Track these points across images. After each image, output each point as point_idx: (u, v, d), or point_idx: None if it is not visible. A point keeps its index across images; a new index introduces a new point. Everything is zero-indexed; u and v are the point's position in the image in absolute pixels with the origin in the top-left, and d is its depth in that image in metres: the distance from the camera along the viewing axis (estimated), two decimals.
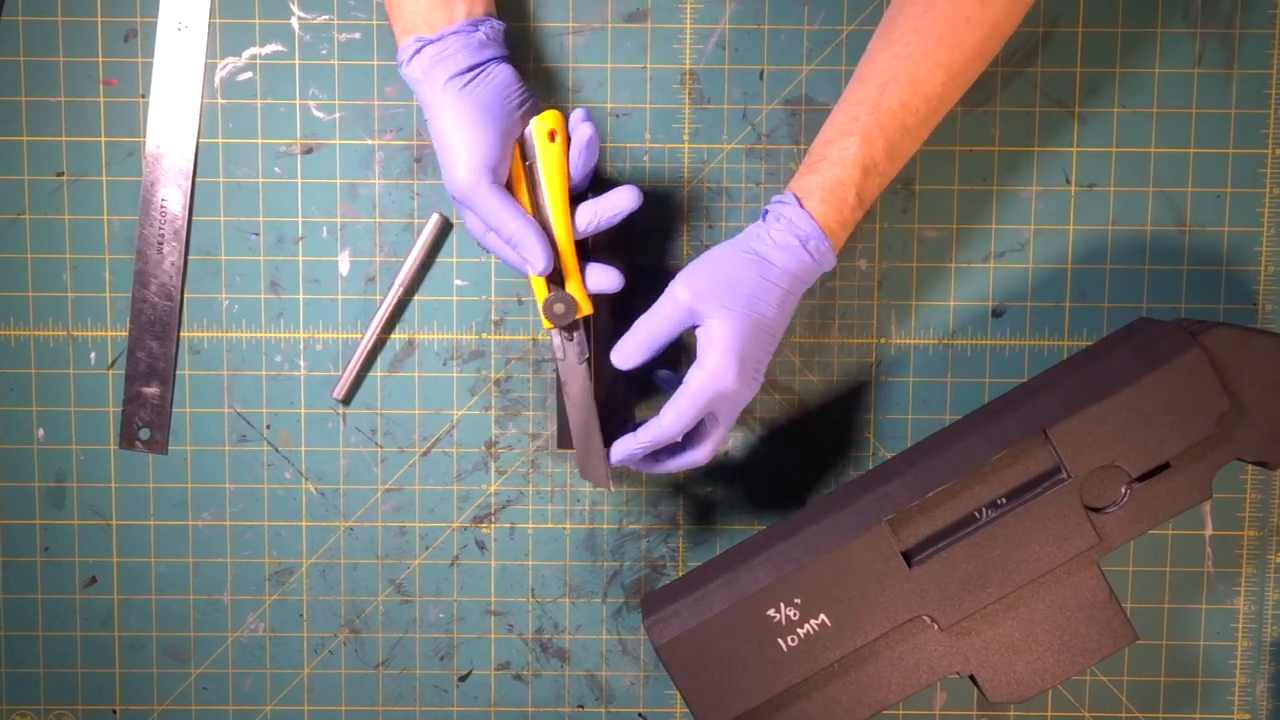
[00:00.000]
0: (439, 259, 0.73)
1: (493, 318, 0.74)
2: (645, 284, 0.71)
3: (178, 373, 0.74)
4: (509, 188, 0.64)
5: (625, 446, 0.65)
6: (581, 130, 0.64)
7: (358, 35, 0.72)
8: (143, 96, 0.73)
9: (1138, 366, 0.63)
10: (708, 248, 0.68)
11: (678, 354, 0.74)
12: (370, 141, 0.73)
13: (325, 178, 0.73)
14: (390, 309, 0.73)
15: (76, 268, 0.73)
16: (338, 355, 0.74)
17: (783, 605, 0.64)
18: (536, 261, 0.63)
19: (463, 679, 0.76)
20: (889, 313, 0.74)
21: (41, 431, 0.74)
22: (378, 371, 0.74)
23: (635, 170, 0.73)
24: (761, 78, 0.72)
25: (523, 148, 0.65)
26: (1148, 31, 0.72)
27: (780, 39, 0.72)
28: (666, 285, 0.73)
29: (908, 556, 0.64)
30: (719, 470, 0.75)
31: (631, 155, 0.73)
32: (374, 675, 0.76)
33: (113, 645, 0.75)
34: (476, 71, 0.63)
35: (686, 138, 0.73)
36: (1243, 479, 0.75)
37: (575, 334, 0.65)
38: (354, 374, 0.74)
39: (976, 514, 0.64)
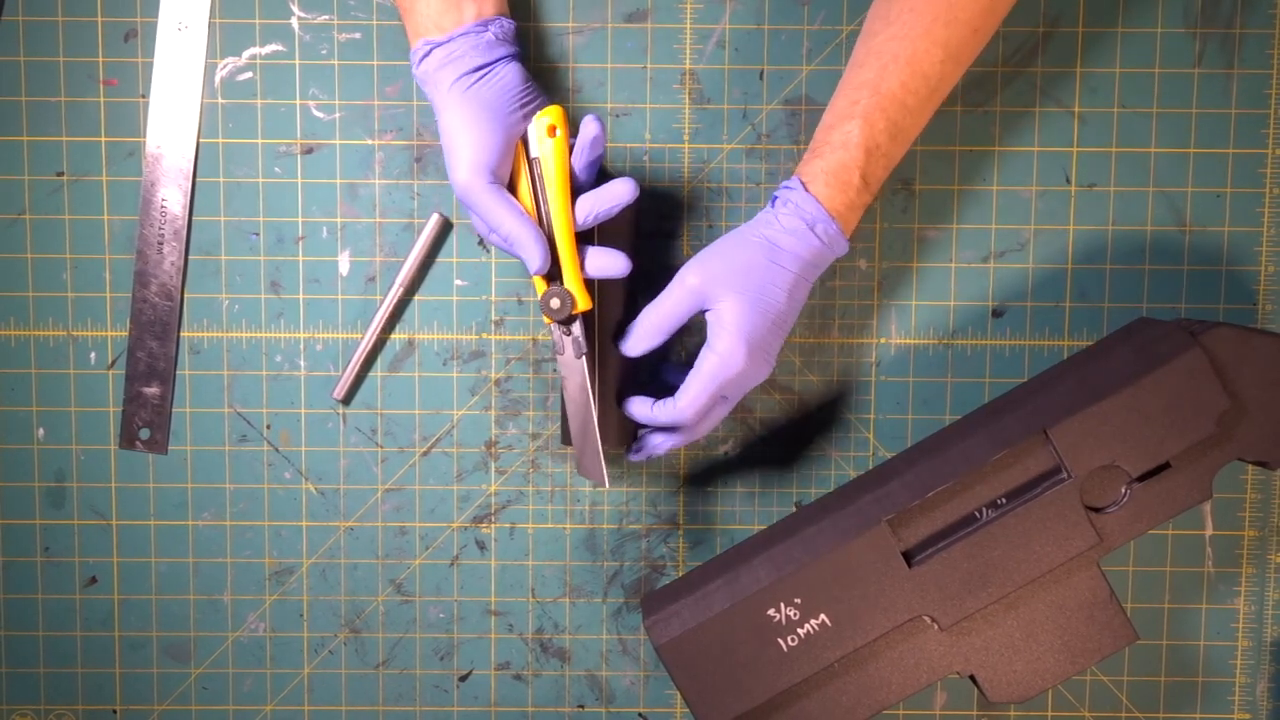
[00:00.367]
0: (439, 259, 0.73)
1: (493, 318, 0.74)
2: (646, 283, 0.71)
3: (178, 373, 0.74)
4: (511, 185, 0.65)
5: (642, 410, 0.67)
6: (588, 127, 0.64)
7: (358, 35, 0.72)
8: (143, 96, 0.73)
9: (1138, 366, 0.63)
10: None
11: (676, 346, 0.74)
12: (370, 141, 0.73)
13: (325, 178, 0.73)
14: (390, 309, 0.73)
15: (77, 268, 0.73)
16: (338, 355, 0.74)
17: (783, 605, 0.64)
18: (531, 261, 0.63)
19: (463, 679, 0.76)
20: (889, 313, 0.74)
21: (42, 431, 0.74)
22: (378, 371, 0.74)
23: (635, 170, 0.73)
24: (761, 78, 0.72)
25: (527, 144, 0.65)
26: (1148, 31, 0.72)
27: (780, 39, 0.72)
28: (668, 284, 0.73)
29: (908, 556, 0.64)
30: (719, 470, 0.75)
31: (631, 155, 0.73)
32: (374, 675, 0.76)
33: (113, 645, 0.75)
34: (483, 72, 0.64)
35: (686, 138, 0.73)
36: (1243, 479, 0.75)
37: (573, 329, 0.66)
38: (354, 374, 0.74)
39: (977, 514, 0.64)
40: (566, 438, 0.69)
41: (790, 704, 0.65)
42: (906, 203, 0.73)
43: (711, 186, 0.73)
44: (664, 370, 0.72)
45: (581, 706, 0.76)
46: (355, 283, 0.74)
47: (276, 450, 0.74)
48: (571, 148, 0.65)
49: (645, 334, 0.66)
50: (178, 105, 0.72)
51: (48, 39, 0.72)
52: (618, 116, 0.73)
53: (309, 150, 0.73)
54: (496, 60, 0.64)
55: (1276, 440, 0.64)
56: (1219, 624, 0.75)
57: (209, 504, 0.75)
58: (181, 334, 0.74)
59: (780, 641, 0.64)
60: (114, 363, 0.74)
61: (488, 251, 0.73)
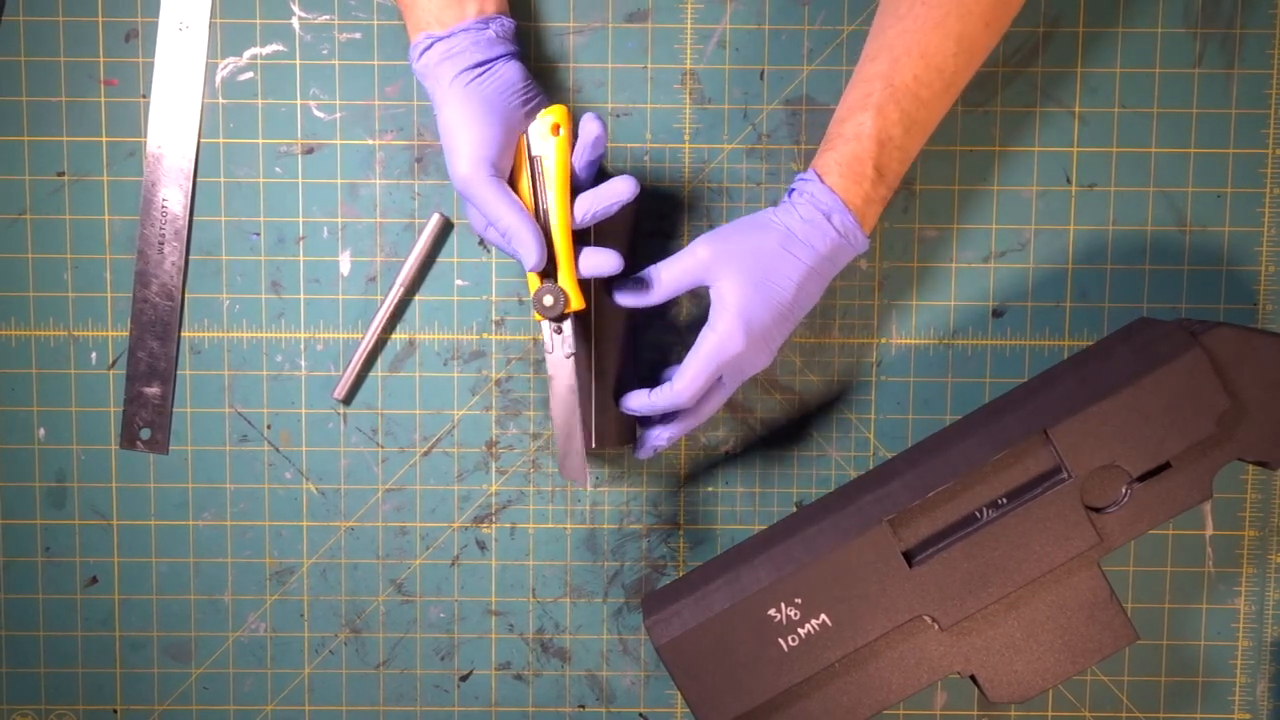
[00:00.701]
0: (440, 259, 0.73)
1: (493, 318, 0.74)
2: None
3: (178, 373, 0.74)
4: (511, 182, 0.65)
5: (639, 399, 0.67)
6: (589, 127, 0.64)
7: (358, 35, 0.72)
8: (144, 96, 0.73)
9: (1138, 366, 0.63)
10: None
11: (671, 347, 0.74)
12: (371, 141, 0.73)
13: (326, 178, 0.73)
14: (391, 309, 0.73)
15: (77, 268, 0.73)
16: (338, 355, 0.74)
17: (783, 605, 0.64)
18: (528, 256, 0.63)
19: (463, 679, 0.76)
20: (889, 313, 0.74)
21: (42, 431, 0.74)
22: (378, 371, 0.74)
23: (635, 170, 0.73)
24: (762, 78, 0.73)
25: (528, 142, 0.65)
26: (1148, 31, 0.72)
27: (781, 39, 0.72)
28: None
29: (908, 556, 0.64)
30: (719, 470, 0.75)
31: (631, 155, 0.73)
32: (375, 675, 0.76)
33: (113, 645, 0.75)
34: (484, 68, 0.64)
35: (687, 138, 0.73)
36: (1243, 479, 0.75)
37: (564, 328, 0.66)
38: (355, 374, 0.74)
39: (977, 514, 0.64)
40: None
41: (790, 704, 0.65)
42: (907, 203, 0.73)
43: (711, 186, 0.73)
44: (664, 373, 0.72)
45: (582, 706, 0.76)
46: (356, 283, 0.74)
47: (277, 450, 0.74)
48: (572, 147, 0.65)
49: (641, 288, 0.66)
50: (178, 105, 0.72)
51: (48, 39, 0.72)
52: (618, 116, 0.73)
53: (310, 150, 0.73)
54: (497, 58, 0.64)
55: (1277, 440, 0.64)
56: (1219, 624, 0.75)
57: (209, 504, 0.75)
58: (182, 334, 0.74)
59: (781, 641, 0.64)
60: (115, 363, 0.74)
61: (488, 251, 0.73)
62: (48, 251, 0.73)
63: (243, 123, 0.73)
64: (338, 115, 0.73)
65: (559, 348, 0.66)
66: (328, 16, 0.72)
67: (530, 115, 0.65)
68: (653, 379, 0.72)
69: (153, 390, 0.74)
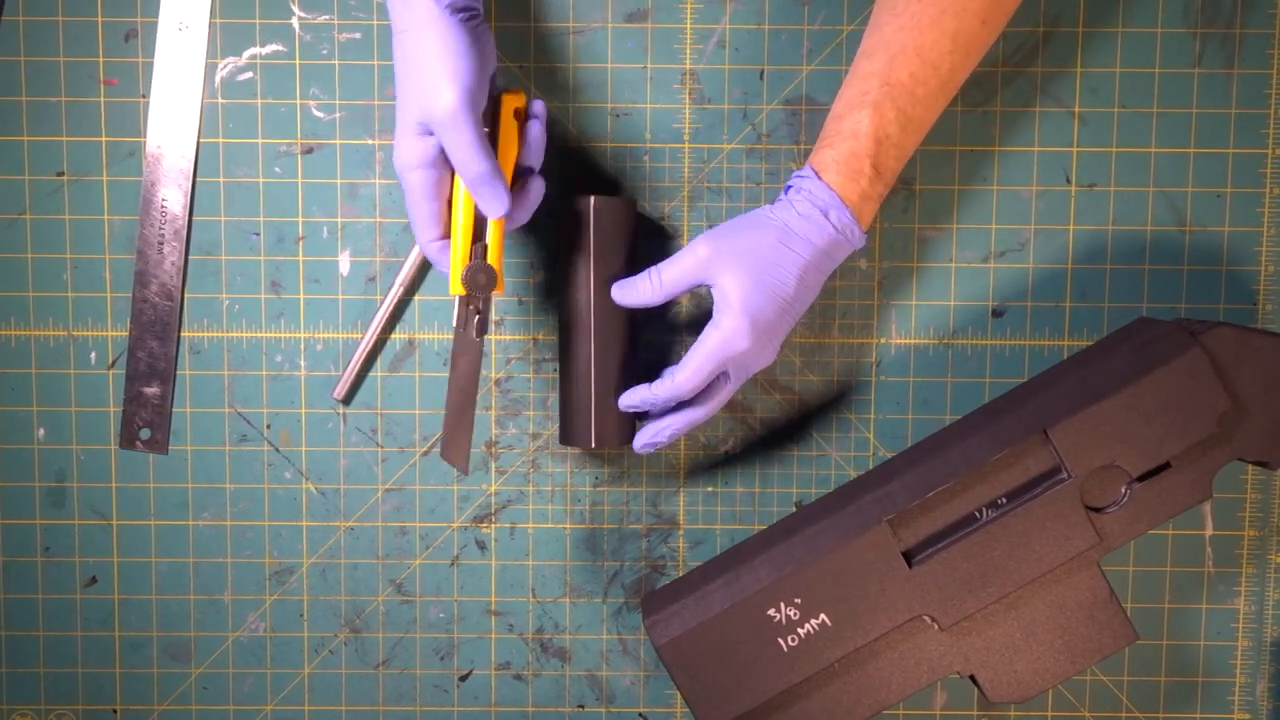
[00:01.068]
0: None
1: (493, 318, 0.74)
2: None
3: (178, 373, 0.74)
4: None
5: (639, 394, 0.66)
6: (535, 120, 0.64)
7: (358, 35, 0.72)
8: (143, 96, 0.73)
9: (1138, 366, 0.63)
10: None
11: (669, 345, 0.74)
12: (371, 141, 0.73)
13: (326, 177, 0.73)
14: (391, 309, 0.73)
15: (77, 268, 0.73)
16: (338, 355, 0.74)
17: (783, 605, 0.64)
18: (498, 204, 0.62)
19: (463, 679, 0.76)
20: (889, 313, 0.74)
21: (42, 431, 0.74)
22: (378, 371, 0.74)
23: (635, 170, 0.73)
24: (762, 78, 0.72)
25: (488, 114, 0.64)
26: (1148, 31, 0.72)
27: (780, 39, 0.72)
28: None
29: (908, 556, 0.64)
30: (719, 470, 0.75)
31: (632, 155, 0.73)
32: (374, 675, 0.76)
33: (113, 645, 0.75)
34: (472, 13, 0.62)
35: (686, 138, 0.73)
36: (1243, 479, 0.75)
37: (482, 307, 0.65)
38: (354, 374, 0.74)
39: (977, 514, 0.64)
40: (565, 437, 0.69)
41: (790, 704, 0.65)
42: (906, 203, 0.73)
43: (711, 186, 0.73)
44: (664, 371, 0.72)
45: (582, 706, 0.76)
46: (355, 282, 0.74)
47: (277, 450, 0.74)
48: (524, 134, 0.64)
49: (642, 288, 0.66)
50: (178, 105, 0.72)
51: (48, 39, 0.72)
52: (618, 116, 0.73)
53: (309, 150, 0.73)
54: (479, 13, 0.63)
55: (1277, 440, 0.64)
56: (1219, 624, 0.75)
57: (209, 504, 0.75)
58: (182, 334, 0.74)
59: (780, 641, 0.64)
60: (114, 363, 0.74)
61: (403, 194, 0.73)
62: (48, 251, 0.73)
63: (242, 123, 0.73)
64: (337, 115, 0.73)
65: (472, 327, 0.65)
66: (328, 16, 0.72)
67: (489, 89, 0.64)
68: (652, 379, 0.72)
69: (152, 390, 0.74)
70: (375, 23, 0.72)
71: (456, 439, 0.66)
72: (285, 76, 0.72)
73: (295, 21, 0.72)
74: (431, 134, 0.62)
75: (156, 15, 0.72)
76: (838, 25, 0.72)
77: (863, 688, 0.65)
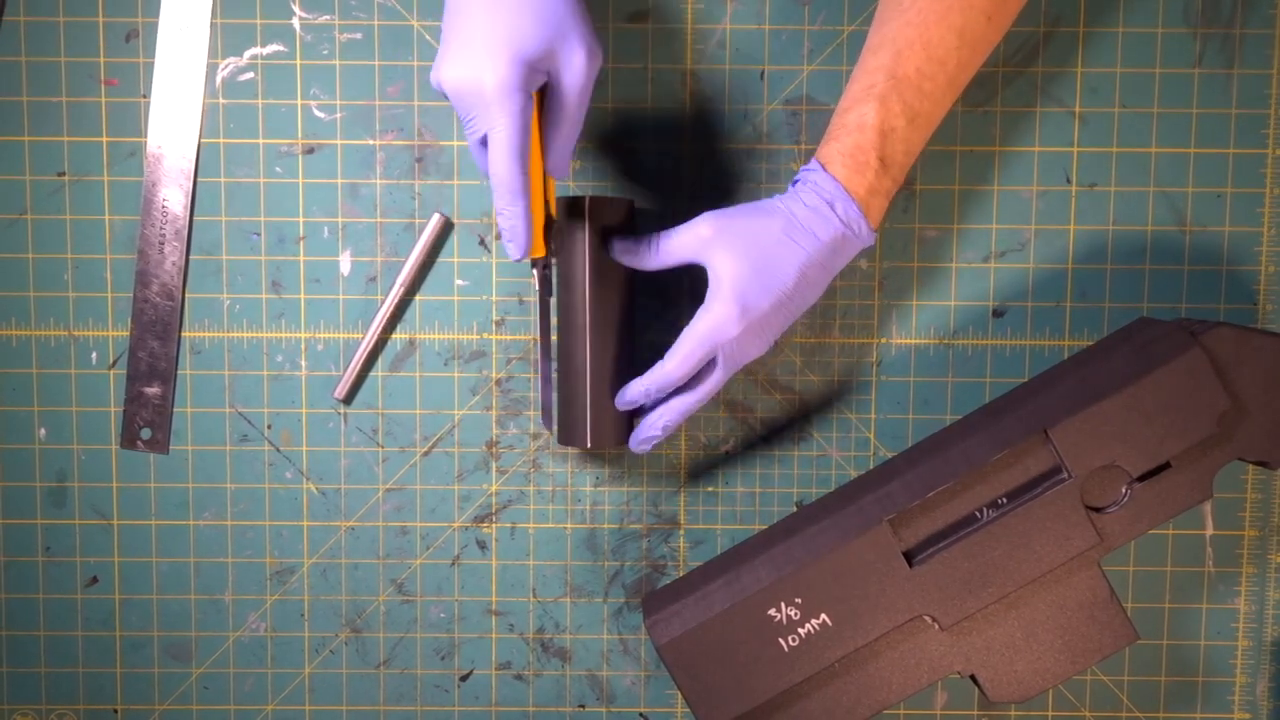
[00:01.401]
0: (440, 259, 0.73)
1: (494, 317, 0.74)
2: (645, 282, 0.71)
3: (179, 372, 0.74)
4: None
5: (633, 389, 0.66)
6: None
7: (359, 35, 0.72)
8: (144, 96, 0.73)
9: (1138, 366, 0.63)
10: None
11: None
12: (371, 141, 0.73)
13: (326, 178, 0.73)
14: (391, 309, 0.73)
15: (78, 268, 0.73)
16: (339, 355, 0.74)
17: (783, 605, 0.64)
18: (517, 246, 0.61)
19: (464, 679, 0.76)
20: (890, 313, 0.74)
21: (43, 431, 0.74)
22: (379, 371, 0.74)
23: (635, 169, 0.73)
24: (762, 78, 0.73)
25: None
26: (1148, 31, 0.72)
27: (781, 39, 0.72)
28: (668, 285, 0.73)
29: (908, 556, 0.64)
30: (719, 470, 0.75)
31: (631, 155, 0.73)
32: (375, 675, 0.76)
33: (114, 645, 0.75)
34: None
35: (687, 137, 0.73)
36: (1243, 479, 0.75)
37: (548, 268, 0.66)
38: (355, 374, 0.74)
39: (977, 514, 0.64)
40: (564, 437, 0.69)
41: (791, 704, 0.65)
42: (907, 203, 0.73)
43: (711, 186, 0.73)
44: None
45: (582, 706, 0.76)
46: (356, 283, 0.74)
47: (277, 450, 0.74)
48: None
49: (641, 251, 0.66)
50: (179, 105, 0.72)
51: (49, 39, 0.72)
52: (618, 116, 0.73)
53: (310, 150, 0.73)
54: None
55: (1277, 440, 0.64)
56: (1219, 624, 0.75)
57: (210, 504, 0.75)
58: (183, 334, 0.74)
59: (781, 641, 0.64)
60: (115, 363, 0.74)
61: (489, 251, 0.73)
62: (48, 251, 0.73)
63: (243, 123, 0.73)
64: (338, 115, 0.73)
65: (544, 289, 0.67)
66: (328, 16, 0.72)
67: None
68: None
69: (153, 390, 0.74)
70: (375, 23, 0.72)
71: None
72: (286, 76, 0.72)
73: (296, 21, 0.72)
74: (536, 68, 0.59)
75: (157, 15, 0.72)
76: (838, 25, 0.72)
77: (863, 688, 0.65)
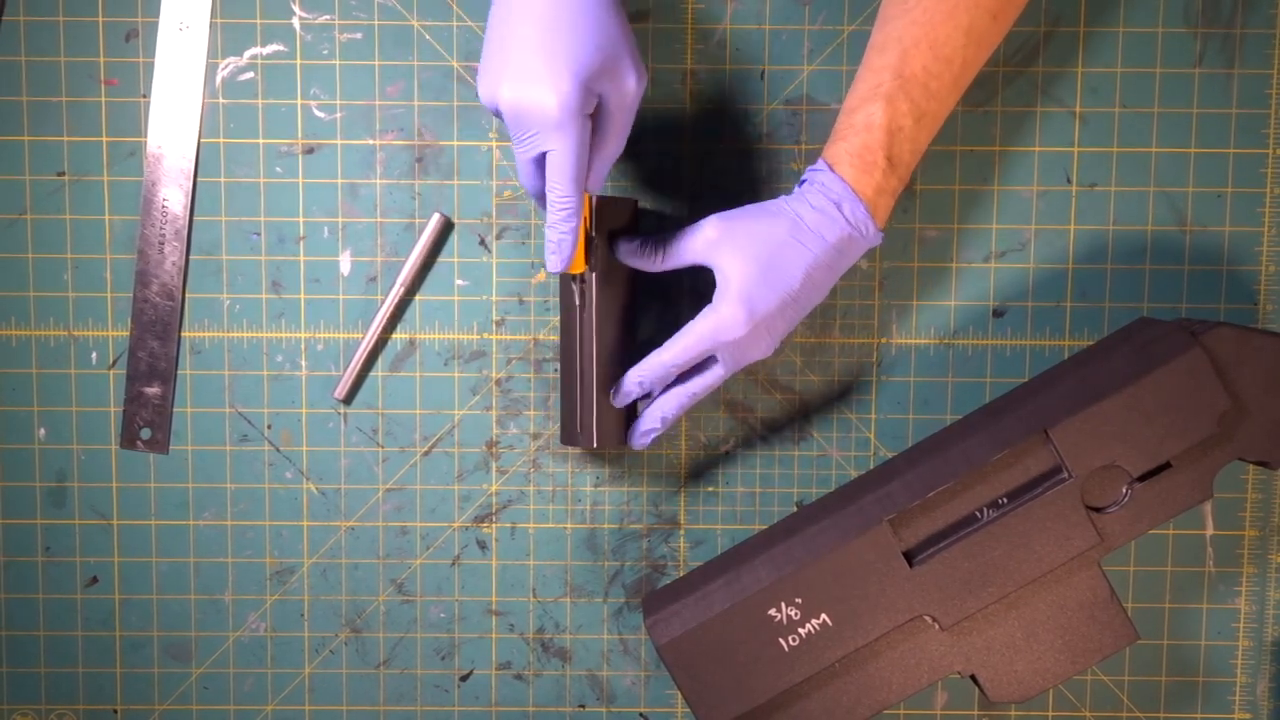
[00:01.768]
0: (440, 259, 0.73)
1: (494, 317, 0.74)
2: (648, 282, 0.71)
3: (179, 372, 0.74)
4: None
5: (629, 381, 0.66)
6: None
7: (359, 35, 0.72)
8: (144, 96, 0.73)
9: (1138, 366, 0.63)
10: None
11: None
12: (371, 141, 0.73)
13: (326, 177, 0.73)
14: (391, 309, 0.73)
15: (77, 268, 0.73)
16: (339, 355, 0.74)
17: (784, 605, 0.64)
18: (557, 261, 0.62)
19: (464, 679, 0.76)
20: (890, 312, 0.74)
21: (42, 431, 0.74)
22: (379, 371, 0.74)
23: (636, 169, 0.73)
24: (762, 78, 0.73)
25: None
26: (1148, 31, 0.72)
27: (781, 39, 0.72)
28: (670, 286, 0.73)
29: (909, 556, 0.64)
30: (719, 470, 0.75)
31: (632, 154, 0.73)
32: (375, 675, 0.76)
33: (114, 645, 0.75)
34: None
35: (687, 137, 0.73)
36: (1244, 479, 0.75)
37: (586, 282, 0.67)
38: (355, 374, 0.74)
39: (977, 514, 0.64)
40: (566, 437, 0.69)
41: (791, 704, 0.65)
42: (907, 203, 0.73)
43: (712, 187, 0.73)
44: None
45: (582, 706, 0.76)
46: (356, 282, 0.74)
47: (277, 450, 0.74)
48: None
49: (645, 253, 0.66)
50: (179, 105, 0.72)
51: (49, 39, 0.72)
52: None
53: (310, 150, 0.73)
54: None
55: (1277, 440, 0.64)
56: (1220, 624, 0.75)
57: (210, 504, 0.75)
58: (182, 334, 0.74)
59: (781, 641, 0.64)
60: (115, 363, 0.74)
61: (489, 251, 0.73)
62: (48, 251, 0.73)
63: (243, 123, 0.73)
64: (338, 115, 0.73)
65: (581, 300, 0.67)
66: (328, 16, 0.72)
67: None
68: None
69: (153, 390, 0.74)
70: (376, 23, 0.72)
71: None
72: (286, 76, 0.72)
73: (296, 21, 0.72)
74: (594, 90, 0.59)
75: (157, 15, 0.72)
76: (838, 25, 0.72)
77: (863, 688, 0.65)
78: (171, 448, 0.75)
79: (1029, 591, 0.64)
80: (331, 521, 0.75)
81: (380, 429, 0.74)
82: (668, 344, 0.65)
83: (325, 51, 0.72)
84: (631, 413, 0.70)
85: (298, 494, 0.75)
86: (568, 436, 0.69)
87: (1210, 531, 0.75)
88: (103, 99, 0.73)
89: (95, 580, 0.75)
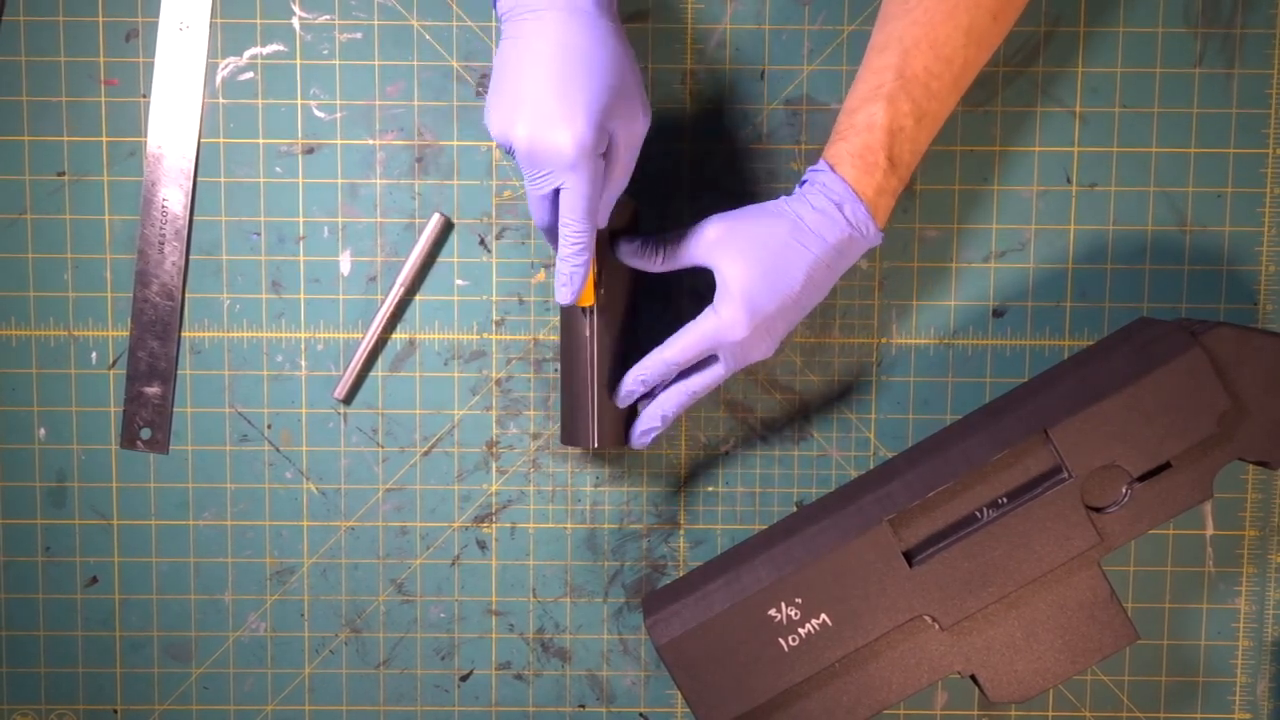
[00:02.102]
0: (440, 259, 0.73)
1: (494, 317, 0.74)
2: (649, 282, 0.71)
3: (179, 372, 0.74)
4: None
5: (629, 380, 0.66)
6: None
7: (359, 35, 0.72)
8: (144, 96, 0.73)
9: (1138, 366, 0.63)
10: None
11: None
12: (371, 141, 0.73)
13: (326, 177, 0.73)
14: (391, 309, 0.73)
15: (78, 268, 0.73)
16: (339, 355, 0.74)
17: (784, 605, 0.64)
18: (568, 293, 0.63)
19: (464, 679, 0.76)
20: (890, 312, 0.74)
21: (43, 431, 0.74)
22: (379, 371, 0.74)
23: (636, 170, 0.73)
24: (762, 78, 0.73)
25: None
26: (1148, 31, 0.72)
27: (781, 39, 0.72)
28: (670, 285, 0.73)
29: (909, 556, 0.64)
30: (719, 470, 0.75)
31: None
32: (375, 675, 0.76)
33: (114, 645, 0.75)
34: (622, 28, 0.60)
35: (687, 138, 0.73)
36: (1243, 479, 0.75)
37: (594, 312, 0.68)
38: (355, 374, 0.74)
39: (977, 514, 0.64)
40: (567, 437, 0.69)
41: (791, 704, 0.65)
42: (907, 203, 0.73)
43: (712, 187, 0.73)
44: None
45: (582, 706, 0.76)
46: (356, 282, 0.74)
47: (277, 450, 0.74)
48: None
49: (645, 254, 0.66)
50: (179, 105, 0.72)
51: (49, 39, 0.72)
52: None
53: (310, 150, 0.73)
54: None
55: (1277, 440, 0.64)
56: (1219, 624, 0.75)
57: (210, 504, 0.75)
58: (182, 334, 0.74)
59: (781, 641, 0.64)
60: (115, 362, 0.74)
61: (489, 251, 0.73)
62: (48, 251, 0.73)
63: (243, 123, 0.73)
64: (338, 115, 0.73)
65: (590, 328, 0.68)
66: (328, 16, 0.72)
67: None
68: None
69: (153, 390, 0.74)
70: (375, 23, 0.72)
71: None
72: (286, 76, 0.72)
73: (296, 21, 0.72)
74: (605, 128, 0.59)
75: (157, 15, 0.72)
76: (838, 25, 0.72)
77: (863, 688, 0.65)
78: (171, 448, 0.75)
79: (1029, 591, 0.64)
80: (331, 521, 0.75)
81: (380, 429, 0.74)
82: (668, 342, 0.65)
83: (325, 51, 0.72)
84: (631, 413, 0.69)
85: (298, 494, 0.75)
86: (568, 436, 0.69)
87: (1210, 531, 0.75)
88: (103, 99, 0.73)
89: (95, 580, 0.75)
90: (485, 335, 0.74)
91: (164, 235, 0.73)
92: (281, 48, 0.72)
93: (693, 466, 0.75)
